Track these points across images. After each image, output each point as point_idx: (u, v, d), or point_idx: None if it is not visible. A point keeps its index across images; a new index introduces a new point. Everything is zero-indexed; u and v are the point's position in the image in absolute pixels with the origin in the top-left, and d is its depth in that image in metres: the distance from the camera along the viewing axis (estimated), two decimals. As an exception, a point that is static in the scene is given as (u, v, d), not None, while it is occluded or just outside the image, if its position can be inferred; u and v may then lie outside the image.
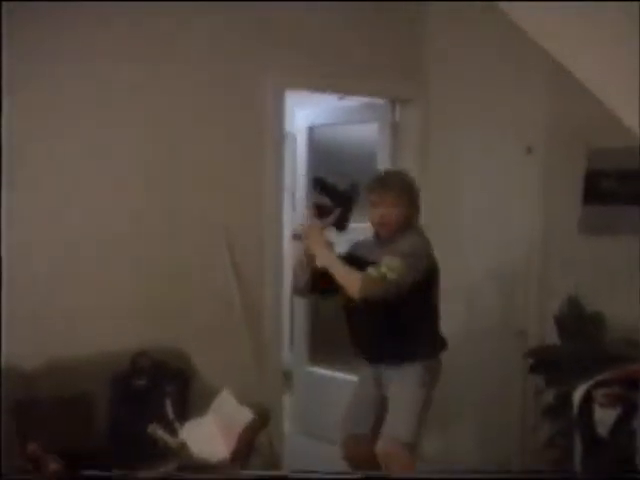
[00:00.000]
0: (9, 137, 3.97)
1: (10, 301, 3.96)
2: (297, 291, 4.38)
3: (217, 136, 4.79)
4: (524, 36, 2.72)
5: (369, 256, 3.96)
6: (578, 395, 3.61)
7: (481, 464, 4.99)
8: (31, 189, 4.17)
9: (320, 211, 4.06)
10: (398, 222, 4.02)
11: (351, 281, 3.83)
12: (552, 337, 4.56)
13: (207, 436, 3.90)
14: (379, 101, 5.72)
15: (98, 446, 3.90)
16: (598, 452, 3.51)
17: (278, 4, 4.81)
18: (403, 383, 4.02)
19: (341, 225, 4.07)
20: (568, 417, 3.79)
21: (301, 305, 6.28)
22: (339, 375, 5.95)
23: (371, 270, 3.80)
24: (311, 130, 6.18)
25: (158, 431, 3.92)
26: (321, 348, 6.24)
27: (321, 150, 6.13)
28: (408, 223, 4.05)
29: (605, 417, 3.48)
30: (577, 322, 4.42)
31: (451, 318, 4.36)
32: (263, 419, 4.09)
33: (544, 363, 4.56)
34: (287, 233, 5.37)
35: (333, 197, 4.06)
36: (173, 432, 3.96)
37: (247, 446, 3.95)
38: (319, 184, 4.12)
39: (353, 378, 4.77)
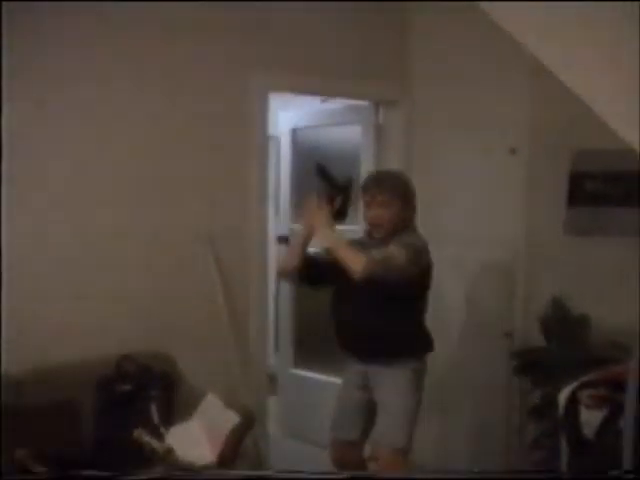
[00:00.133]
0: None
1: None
2: (284, 274, 4.38)
3: (201, 140, 4.76)
4: (508, 38, 2.72)
5: None
6: (563, 396, 3.62)
7: (467, 465, 5.00)
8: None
9: (326, 198, 4.05)
10: (392, 223, 4.00)
11: (355, 259, 3.80)
12: (538, 339, 4.57)
13: (193, 440, 3.90)
14: (362, 103, 5.72)
15: (84, 451, 3.89)
16: (584, 453, 3.52)
17: (261, 6, 4.80)
18: (393, 387, 4.00)
19: (342, 215, 4.08)
20: (553, 418, 3.81)
21: (286, 308, 6.28)
22: (323, 377, 5.95)
23: (375, 252, 3.81)
24: (294, 132, 6.18)
25: (144, 436, 3.90)
26: (305, 351, 6.24)
27: (305, 152, 6.12)
28: (403, 224, 4.03)
29: (591, 418, 3.49)
30: (562, 324, 4.43)
31: (436, 320, 4.36)
32: (248, 422, 4.08)
33: (529, 365, 4.57)
34: (272, 236, 5.36)
35: (332, 185, 4.07)
36: (159, 437, 3.94)
37: (233, 449, 3.94)
38: (320, 170, 4.10)
39: (337, 380, 4.76)
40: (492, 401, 5.08)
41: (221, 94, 4.83)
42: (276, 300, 6.52)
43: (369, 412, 4.12)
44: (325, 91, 5.46)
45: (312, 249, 4.21)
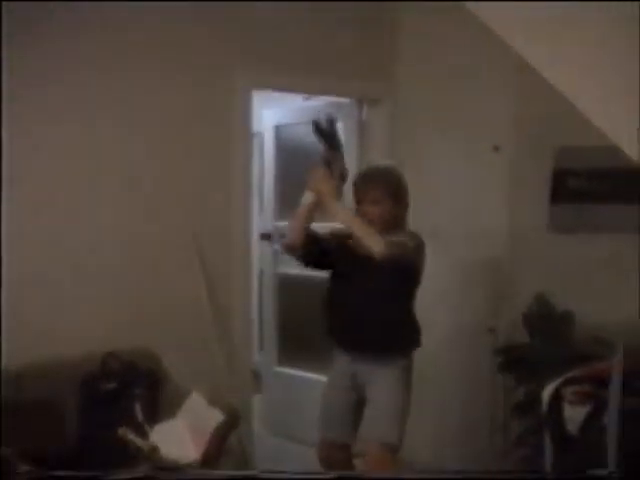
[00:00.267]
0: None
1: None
2: (291, 250, 4.08)
3: (185, 137, 4.76)
4: (491, 36, 2.73)
5: None
6: (547, 393, 3.63)
7: (450, 462, 5.00)
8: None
9: (328, 165, 3.90)
10: (383, 220, 3.88)
11: (376, 238, 3.68)
12: (521, 335, 4.58)
13: (178, 438, 3.89)
14: (345, 100, 5.71)
15: (68, 449, 3.87)
16: (568, 450, 3.53)
17: (244, 4, 4.79)
18: (384, 385, 3.93)
19: (342, 180, 3.94)
20: (537, 415, 3.81)
21: (270, 306, 6.27)
22: (308, 375, 5.94)
23: (387, 237, 3.72)
24: (278, 129, 6.17)
25: (128, 434, 3.89)
26: (290, 349, 6.23)
27: (288, 149, 6.12)
28: (395, 222, 3.95)
29: (575, 415, 3.50)
30: (546, 320, 4.45)
31: (420, 316, 4.36)
32: (233, 420, 4.07)
33: (513, 361, 4.59)
34: (255, 233, 5.35)
35: (331, 144, 3.91)
36: (143, 435, 3.93)
37: (218, 447, 3.93)
38: (316, 127, 3.89)
39: (322, 378, 4.76)
40: (476, 398, 5.09)
41: (205, 92, 4.82)
42: (260, 298, 6.51)
43: (358, 412, 4.07)
44: (309, 89, 5.47)
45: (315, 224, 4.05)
